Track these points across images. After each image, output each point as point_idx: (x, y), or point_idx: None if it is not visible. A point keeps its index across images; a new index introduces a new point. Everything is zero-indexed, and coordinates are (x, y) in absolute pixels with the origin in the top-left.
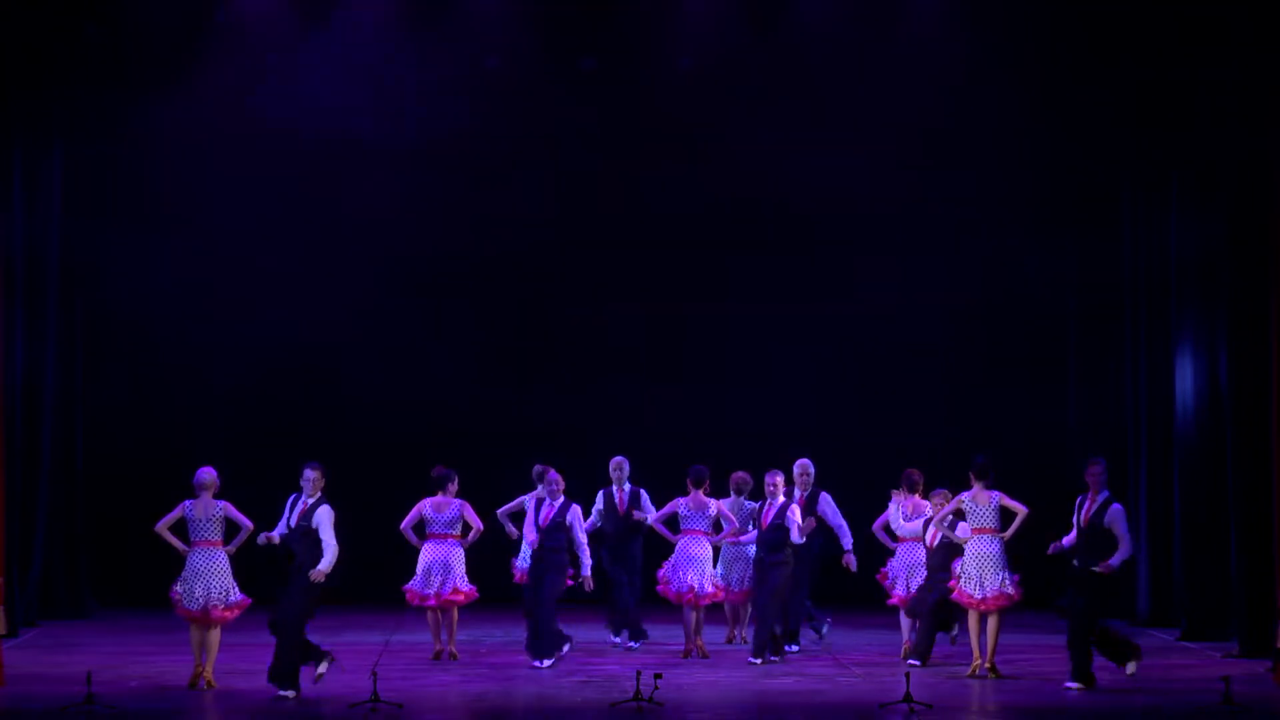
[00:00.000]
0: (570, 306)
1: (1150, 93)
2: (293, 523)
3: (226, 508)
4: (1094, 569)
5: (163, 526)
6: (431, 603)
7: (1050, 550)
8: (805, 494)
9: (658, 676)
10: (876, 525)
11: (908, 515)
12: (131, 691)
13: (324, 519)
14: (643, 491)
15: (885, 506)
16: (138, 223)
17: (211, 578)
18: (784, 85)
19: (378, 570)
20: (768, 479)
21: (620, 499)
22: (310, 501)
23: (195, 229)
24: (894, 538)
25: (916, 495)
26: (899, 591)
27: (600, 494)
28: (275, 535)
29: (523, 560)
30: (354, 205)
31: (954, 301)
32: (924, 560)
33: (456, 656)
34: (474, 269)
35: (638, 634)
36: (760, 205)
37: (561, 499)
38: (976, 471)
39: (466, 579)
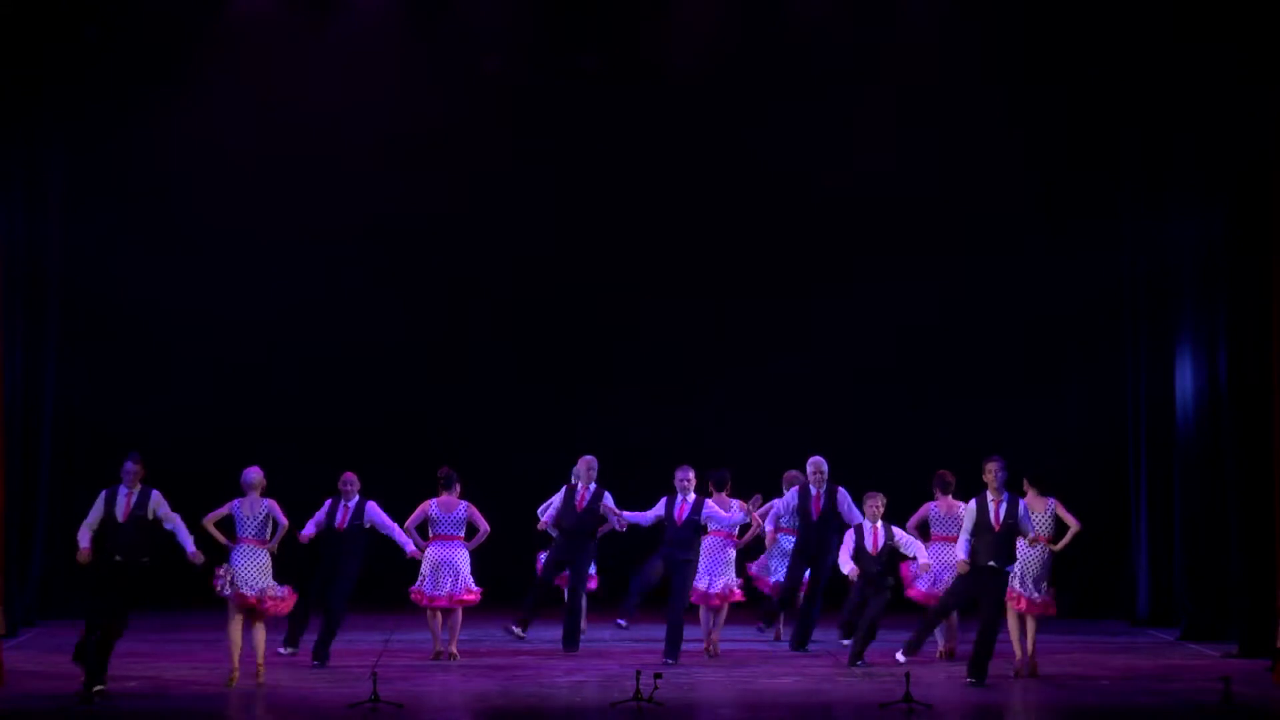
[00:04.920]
0: (570, 306)
1: (1150, 91)
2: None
3: (271, 506)
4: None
5: (209, 521)
6: (442, 603)
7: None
8: (821, 490)
9: (658, 676)
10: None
11: (941, 515)
12: (131, 691)
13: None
14: (607, 494)
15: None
16: (138, 223)
17: (258, 574)
18: (783, 84)
19: (377, 570)
20: (678, 475)
21: (583, 496)
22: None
23: (196, 229)
24: (926, 537)
25: (949, 496)
26: (920, 586)
27: (564, 489)
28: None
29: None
30: (354, 205)
31: (953, 301)
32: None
33: (456, 657)
34: (474, 268)
35: (524, 624)
36: (758, 203)
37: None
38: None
39: (473, 579)
